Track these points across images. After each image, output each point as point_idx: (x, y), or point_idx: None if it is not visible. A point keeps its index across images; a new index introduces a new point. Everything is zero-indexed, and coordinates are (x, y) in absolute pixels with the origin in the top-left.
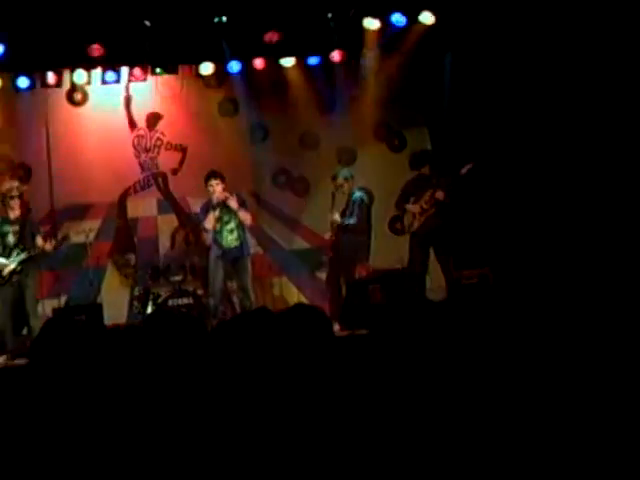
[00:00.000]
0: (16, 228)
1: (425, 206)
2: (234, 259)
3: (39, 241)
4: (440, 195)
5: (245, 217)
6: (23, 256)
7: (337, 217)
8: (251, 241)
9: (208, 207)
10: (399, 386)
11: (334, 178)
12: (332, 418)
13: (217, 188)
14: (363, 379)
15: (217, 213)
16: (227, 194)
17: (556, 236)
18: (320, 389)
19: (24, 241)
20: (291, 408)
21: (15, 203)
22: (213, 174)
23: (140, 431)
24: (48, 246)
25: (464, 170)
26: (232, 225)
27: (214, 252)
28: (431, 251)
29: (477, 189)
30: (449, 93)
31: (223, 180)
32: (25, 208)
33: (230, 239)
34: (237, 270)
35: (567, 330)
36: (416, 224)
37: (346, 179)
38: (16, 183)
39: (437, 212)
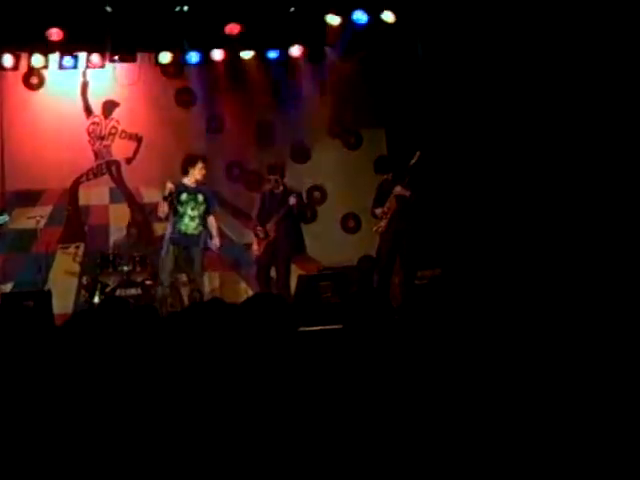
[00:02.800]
0: None
1: (388, 205)
2: (187, 247)
3: None
4: (398, 190)
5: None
6: None
7: (293, 200)
8: (217, 237)
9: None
10: (359, 379)
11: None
12: (293, 408)
13: (203, 171)
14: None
15: (184, 197)
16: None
17: (511, 236)
18: (281, 379)
19: None
20: (251, 398)
21: None
22: (199, 157)
23: (90, 418)
24: None
25: (414, 159)
26: (195, 213)
27: (168, 235)
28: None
29: (432, 188)
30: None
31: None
32: None
33: (190, 226)
34: (188, 259)
35: (524, 330)
36: (383, 225)
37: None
38: None
39: (401, 211)
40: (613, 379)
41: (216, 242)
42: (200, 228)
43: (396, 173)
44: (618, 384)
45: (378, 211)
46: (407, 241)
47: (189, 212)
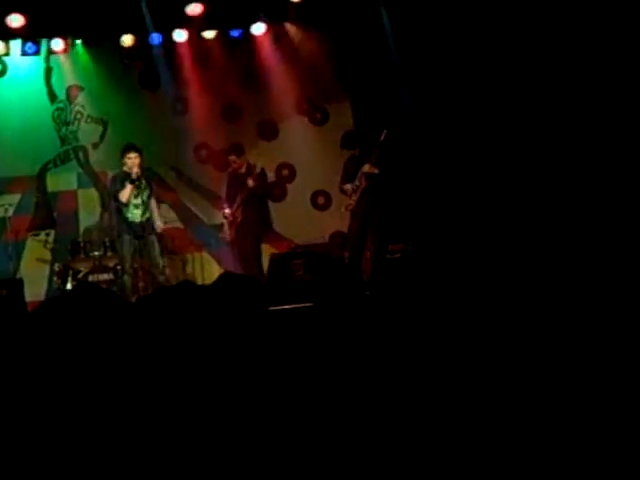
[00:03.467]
0: None
1: (357, 183)
2: (140, 235)
3: None
4: (366, 168)
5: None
6: None
7: (251, 182)
8: (159, 218)
9: (123, 179)
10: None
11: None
12: (267, 388)
13: (135, 161)
14: (300, 351)
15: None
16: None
17: (479, 211)
18: (255, 359)
19: None
20: (227, 380)
21: None
22: (131, 147)
23: (64, 405)
24: None
25: (382, 137)
26: (139, 201)
27: (118, 226)
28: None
29: (400, 165)
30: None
31: (141, 154)
32: None
33: (135, 213)
34: (145, 247)
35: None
36: (353, 202)
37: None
38: None
39: (370, 187)
40: (598, 370)
41: (159, 224)
42: (147, 215)
43: (363, 149)
44: (606, 377)
45: (347, 187)
46: (378, 217)
47: (133, 200)
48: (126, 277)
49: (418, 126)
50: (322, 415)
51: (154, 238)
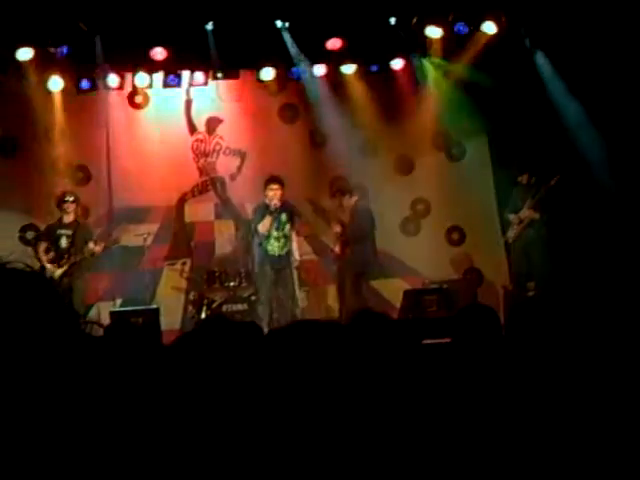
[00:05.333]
0: (69, 232)
1: (522, 217)
2: (277, 268)
3: (90, 245)
4: (534, 215)
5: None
6: (73, 260)
7: (338, 229)
8: (297, 251)
9: (264, 211)
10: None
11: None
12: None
13: (277, 193)
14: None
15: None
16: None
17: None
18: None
19: (76, 245)
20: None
21: (70, 207)
22: (274, 179)
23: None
24: (97, 249)
25: (553, 181)
26: (280, 234)
27: (258, 257)
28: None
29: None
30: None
31: (283, 186)
32: (80, 212)
33: (276, 246)
34: (282, 279)
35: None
36: (514, 234)
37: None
38: (72, 187)
39: (532, 222)
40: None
41: (296, 257)
42: (286, 248)
43: (531, 184)
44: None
45: (512, 217)
46: (537, 254)
47: (274, 233)
48: (261, 308)
49: (591, 175)
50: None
51: (292, 271)
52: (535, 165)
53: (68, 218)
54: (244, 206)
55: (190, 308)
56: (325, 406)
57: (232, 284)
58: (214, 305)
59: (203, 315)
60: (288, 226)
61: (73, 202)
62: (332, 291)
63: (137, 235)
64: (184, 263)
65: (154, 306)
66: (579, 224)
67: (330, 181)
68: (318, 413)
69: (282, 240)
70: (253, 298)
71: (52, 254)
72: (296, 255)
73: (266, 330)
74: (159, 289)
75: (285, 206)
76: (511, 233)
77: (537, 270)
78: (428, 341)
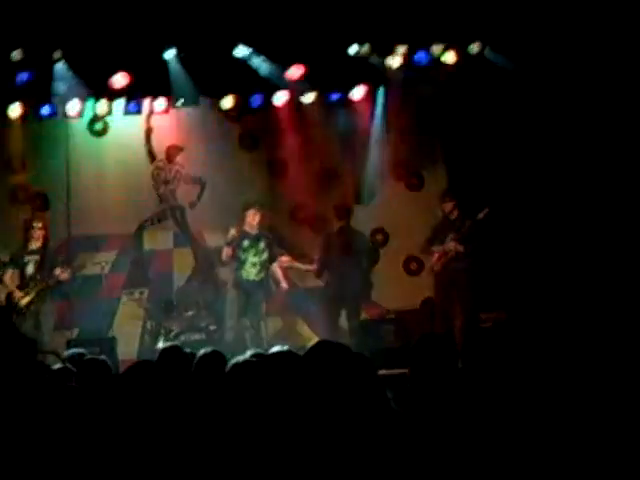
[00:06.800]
0: (36, 258)
1: (447, 250)
2: (249, 294)
3: (57, 271)
4: (452, 245)
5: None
6: (40, 287)
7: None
8: (273, 286)
9: (243, 236)
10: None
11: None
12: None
13: (255, 217)
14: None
15: (246, 243)
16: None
17: (572, 278)
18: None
19: (42, 272)
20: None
21: (38, 233)
22: (252, 203)
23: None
24: (64, 275)
25: (481, 215)
26: (256, 260)
27: (231, 281)
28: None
29: (493, 232)
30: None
31: (261, 210)
32: (45, 238)
33: (251, 272)
34: (250, 305)
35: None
36: (438, 267)
37: None
38: (30, 214)
39: (457, 257)
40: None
41: (284, 286)
42: (262, 275)
43: (455, 218)
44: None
45: (434, 249)
46: (466, 285)
47: (250, 259)
48: (227, 334)
49: (521, 205)
50: None
51: (260, 300)
52: (463, 197)
53: (35, 244)
54: (203, 235)
55: (147, 337)
56: (279, 435)
57: (190, 313)
58: (172, 334)
59: (160, 344)
60: (266, 254)
61: (41, 229)
62: (291, 321)
63: (95, 263)
64: (142, 292)
65: (111, 335)
66: (505, 256)
67: (290, 210)
68: (269, 444)
69: (258, 266)
70: (212, 328)
71: (18, 281)
72: (284, 285)
73: (231, 356)
74: (116, 318)
75: (264, 233)
76: (435, 264)
77: (462, 302)
78: (384, 372)
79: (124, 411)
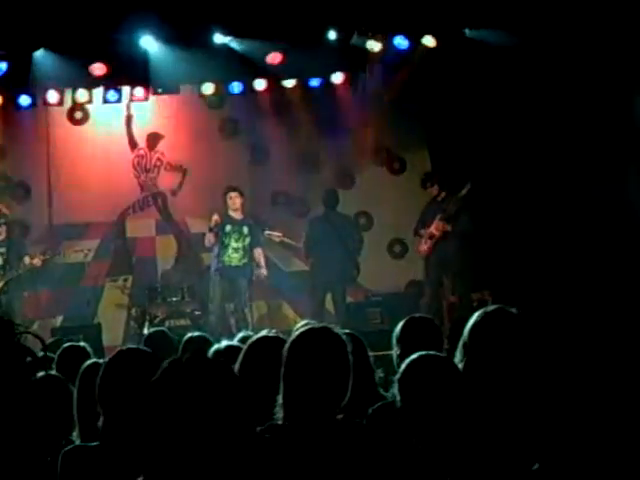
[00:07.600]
0: (2, 250)
1: (433, 231)
2: (232, 279)
3: (27, 260)
4: (440, 226)
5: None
6: (9, 276)
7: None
8: (255, 271)
9: (226, 221)
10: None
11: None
12: None
13: (236, 201)
14: None
15: (228, 228)
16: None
17: (557, 256)
18: None
19: (10, 262)
20: None
21: (1, 229)
22: (232, 188)
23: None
24: (36, 261)
25: (464, 191)
26: (239, 245)
27: (214, 266)
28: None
29: (478, 212)
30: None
31: (242, 195)
32: (18, 230)
33: (234, 257)
34: (233, 290)
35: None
36: (427, 249)
37: None
38: (11, 203)
39: (444, 236)
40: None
41: (263, 272)
42: (244, 260)
43: (442, 199)
44: None
45: (422, 232)
46: (457, 265)
47: (233, 244)
48: (211, 318)
49: (502, 181)
50: None
51: (244, 285)
52: (445, 177)
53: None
54: (185, 221)
55: (132, 324)
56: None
57: (174, 299)
58: (156, 320)
59: (146, 330)
60: (249, 239)
61: (4, 224)
62: (276, 305)
63: (77, 251)
64: (125, 279)
65: (96, 322)
66: (493, 231)
67: (272, 195)
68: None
69: (241, 252)
70: (196, 313)
71: None
72: (263, 271)
73: (221, 338)
74: (101, 305)
75: (247, 219)
76: (423, 247)
77: (453, 282)
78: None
79: (108, 397)
